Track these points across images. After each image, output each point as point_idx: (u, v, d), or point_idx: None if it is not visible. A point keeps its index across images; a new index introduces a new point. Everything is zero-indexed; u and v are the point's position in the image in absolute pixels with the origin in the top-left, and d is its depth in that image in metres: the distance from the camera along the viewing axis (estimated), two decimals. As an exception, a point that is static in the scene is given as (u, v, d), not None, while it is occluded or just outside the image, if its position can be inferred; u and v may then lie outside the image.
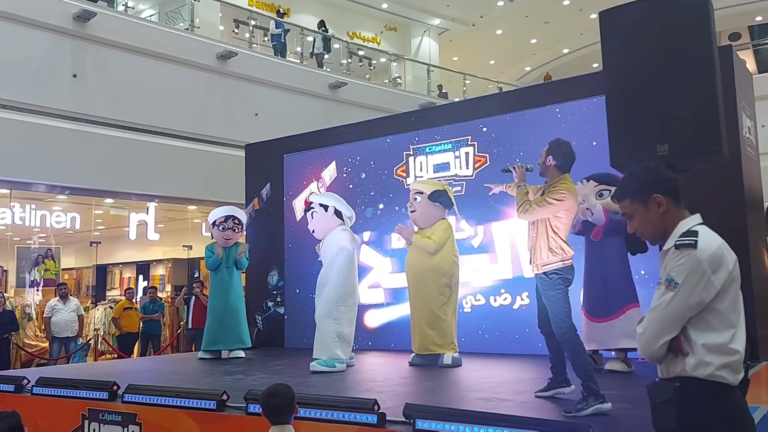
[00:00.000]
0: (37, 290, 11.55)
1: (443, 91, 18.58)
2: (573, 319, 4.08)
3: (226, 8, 15.13)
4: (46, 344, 10.35)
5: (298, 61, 15.30)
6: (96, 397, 4.52)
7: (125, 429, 4.27)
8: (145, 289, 13.77)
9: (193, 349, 10.01)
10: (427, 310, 6.27)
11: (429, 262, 6.31)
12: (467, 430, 3.15)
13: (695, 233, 2.22)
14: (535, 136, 6.86)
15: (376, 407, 3.49)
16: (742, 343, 2.22)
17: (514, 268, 7.07)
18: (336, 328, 5.97)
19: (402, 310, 7.44)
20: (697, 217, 2.33)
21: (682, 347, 2.19)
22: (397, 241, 7.62)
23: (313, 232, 6.49)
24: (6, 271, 12.20)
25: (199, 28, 13.31)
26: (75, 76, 10.67)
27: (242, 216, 7.87)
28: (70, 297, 10.49)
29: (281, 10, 15.84)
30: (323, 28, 16.29)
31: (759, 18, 21.14)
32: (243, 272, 8.12)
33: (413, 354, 6.40)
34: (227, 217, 7.62)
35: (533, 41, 23.20)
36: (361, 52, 18.43)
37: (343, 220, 6.34)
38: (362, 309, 8.07)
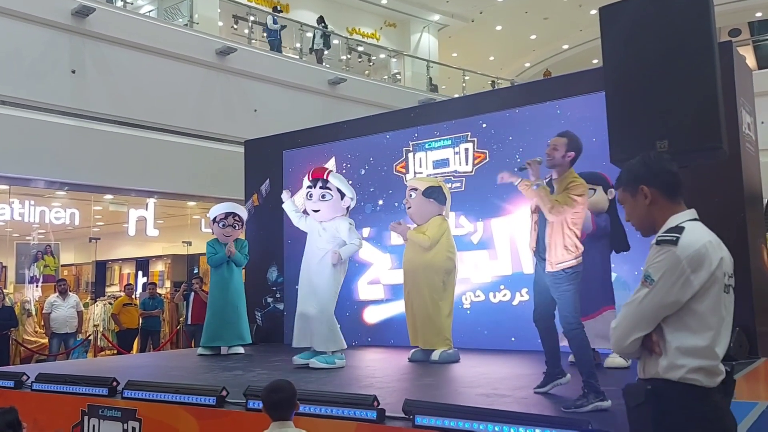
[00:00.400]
0: (37, 286, 11.55)
1: (433, 83, 18.53)
2: None
3: (225, 4, 15.09)
4: (46, 340, 10.35)
5: (298, 57, 15.27)
6: (95, 393, 4.53)
7: (125, 425, 4.27)
8: (144, 285, 13.78)
9: (193, 345, 10.01)
10: (421, 306, 6.28)
11: (423, 257, 6.31)
12: (466, 426, 3.15)
13: (680, 229, 2.15)
14: (535, 132, 6.85)
15: (375, 403, 3.49)
16: (721, 347, 2.13)
17: (513, 264, 7.07)
18: (334, 320, 5.97)
19: (401, 307, 7.42)
20: (688, 213, 2.27)
21: (653, 346, 2.14)
22: (396, 237, 7.62)
23: (316, 211, 6.11)
24: (5, 267, 12.21)
25: (198, 23, 13.27)
26: (74, 71, 10.65)
27: (243, 212, 7.86)
28: (70, 293, 10.49)
29: (278, 6, 15.80)
30: (323, 24, 16.25)
31: (759, 14, 21.12)
32: (243, 269, 8.12)
33: (413, 350, 6.41)
34: (227, 214, 7.62)
35: (533, 37, 23.17)
36: (360, 48, 18.39)
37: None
38: (362, 305, 8.10)
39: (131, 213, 12.14)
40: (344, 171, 8.40)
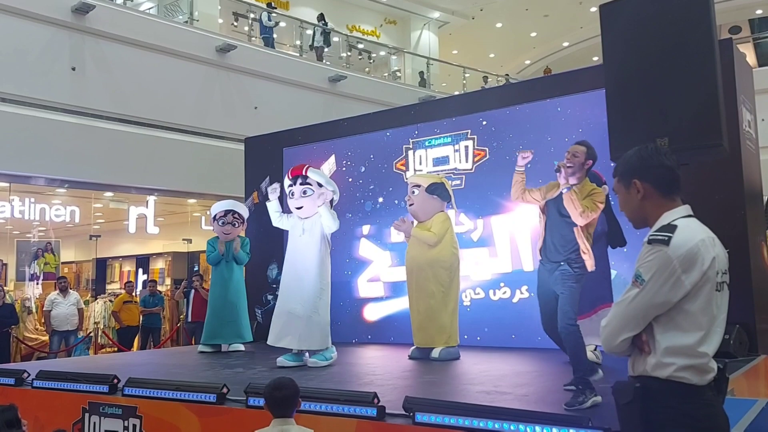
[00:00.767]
0: (37, 284, 11.55)
1: (424, 77, 18.52)
2: None
3: (225, 1, 15.08)
4: (46, 338, 10.36)
5: (298, 55, 15.27)
6: (96, 391, 4.53)
7: (125, 422, 4.27)
8: (144, 283, 13.77)
9: (193, 342, 10.02)
10: (426, 303, 6.28)
11: (429, 254, 6.30)
12: (467, 423, 3.15)
13: (672, 228, 2.10)
14: (535, 130, 6.85)
15: (375, 400, 3.50)
16: (711, 347, 2.09)
17: (513, 261, 7.07)
18: (326, 318, 5.95)
19: (401, 304, 7.44)
20: (682, 209, 2.21)
21: (643, 345, 2.13)
22: (396, 234, 7.62)
23: (299, 208, 6.08)
24: (6, 264, 12.21)
25: (198, 21, 13.27)
26: (74, 69, 10.65)
27: (243, 210, 7.85)
28: (70, 290, 10.50)
29: (272, 3, 15.76)
30: (323, 21, 16.24)
31: (759, 11, 21.10)
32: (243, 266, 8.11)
33: (413, 347, 6.41)
34: (227, 212, 7.61)
35: (533, 34, 23.15)
36: (360, 46, 18.37)
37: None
38: (362, 302, 8.10)
39: (131, 210, 12.14)
40: (344, 168, 8.41)
